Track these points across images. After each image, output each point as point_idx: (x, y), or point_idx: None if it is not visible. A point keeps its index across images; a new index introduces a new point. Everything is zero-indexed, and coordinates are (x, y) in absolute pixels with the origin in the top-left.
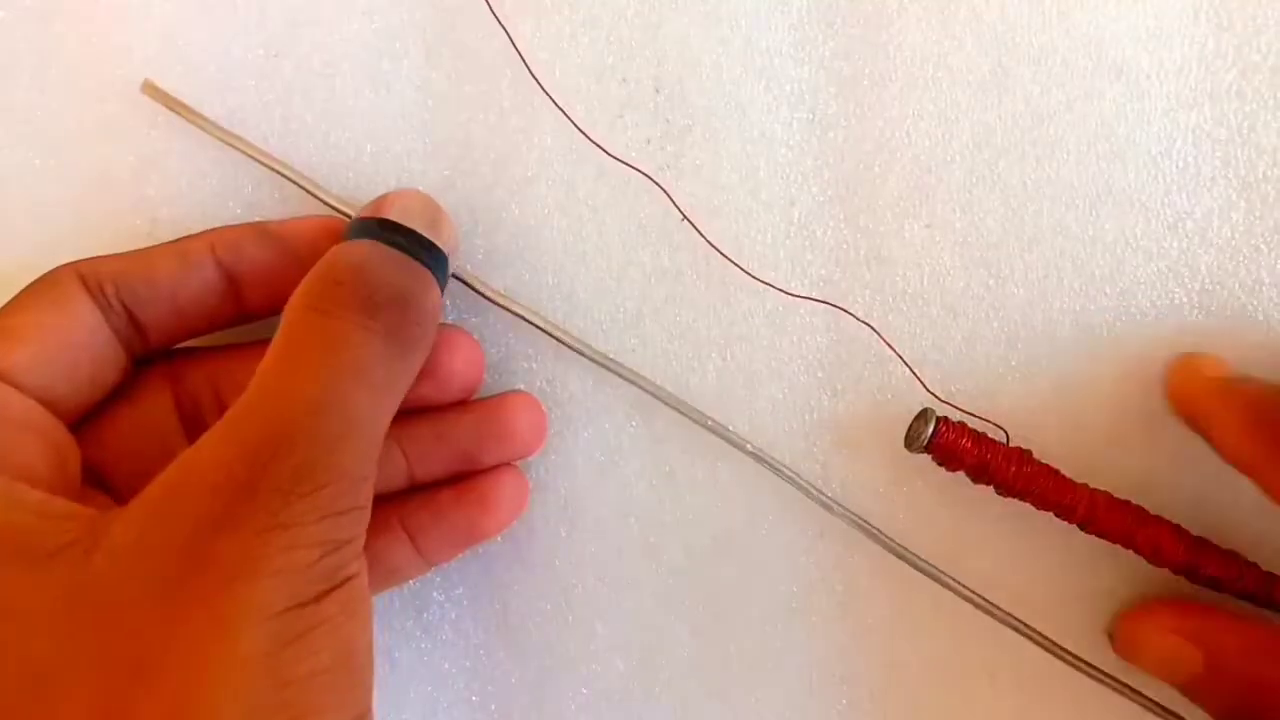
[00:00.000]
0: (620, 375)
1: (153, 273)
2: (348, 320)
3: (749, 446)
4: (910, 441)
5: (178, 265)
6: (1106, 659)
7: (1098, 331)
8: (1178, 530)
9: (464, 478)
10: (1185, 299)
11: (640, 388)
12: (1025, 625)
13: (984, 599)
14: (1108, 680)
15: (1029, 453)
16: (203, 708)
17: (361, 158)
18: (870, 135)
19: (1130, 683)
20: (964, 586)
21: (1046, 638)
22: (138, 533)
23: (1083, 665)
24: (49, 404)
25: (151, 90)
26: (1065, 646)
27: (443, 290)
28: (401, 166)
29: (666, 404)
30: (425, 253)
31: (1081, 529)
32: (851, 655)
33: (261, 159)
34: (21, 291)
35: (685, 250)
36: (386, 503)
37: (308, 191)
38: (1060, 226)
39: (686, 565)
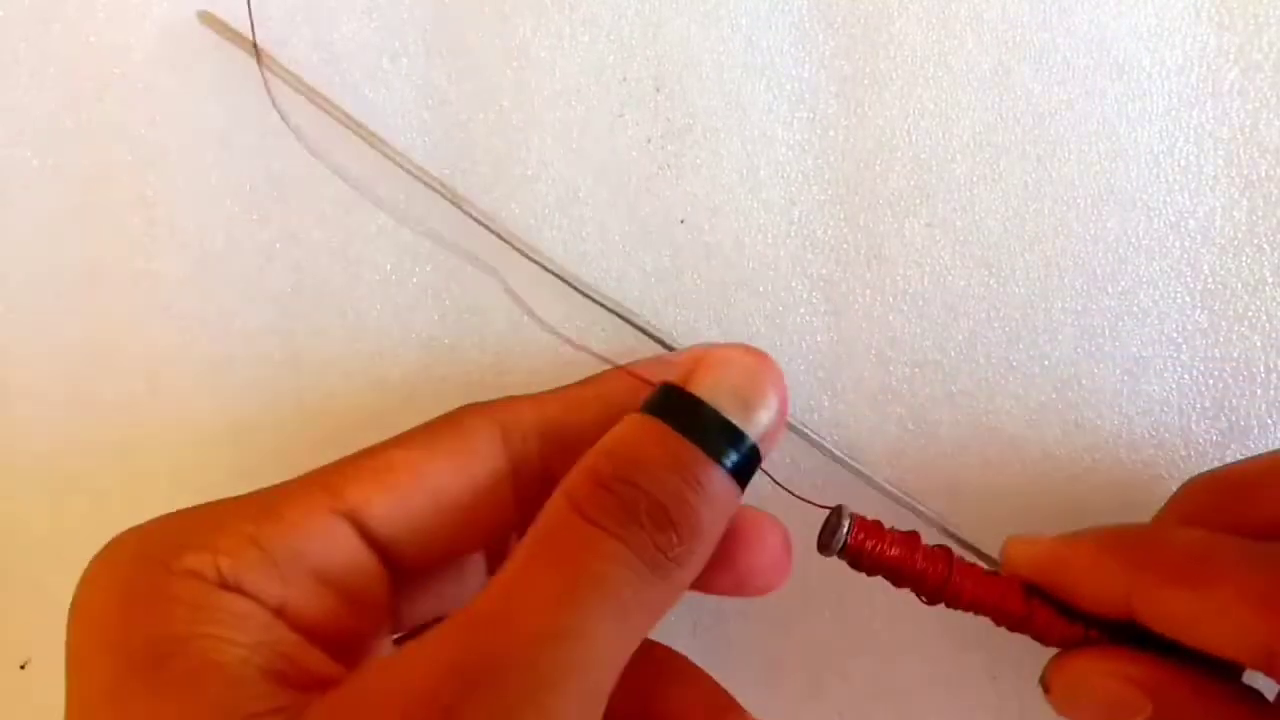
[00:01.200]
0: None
1: (582, 420)
2: (601, 529)
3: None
4: (823, 545)
5: (604, 413)
6: None
7: (1099, 331)
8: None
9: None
10: (1188, 298)
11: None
12: None
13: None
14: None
15: (952, 555)
16: None
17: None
18: (870, 134)
19: None
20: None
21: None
22: (324, 714)
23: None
24: (386, 552)
25: (208, 19)
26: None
27: (744, 486)
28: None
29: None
30: (725, 445)
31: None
32: (851, 655)
33: (342, 119)
34: (428, 422)
35: (685, 250)
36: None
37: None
38: (1061, 225)
39: None
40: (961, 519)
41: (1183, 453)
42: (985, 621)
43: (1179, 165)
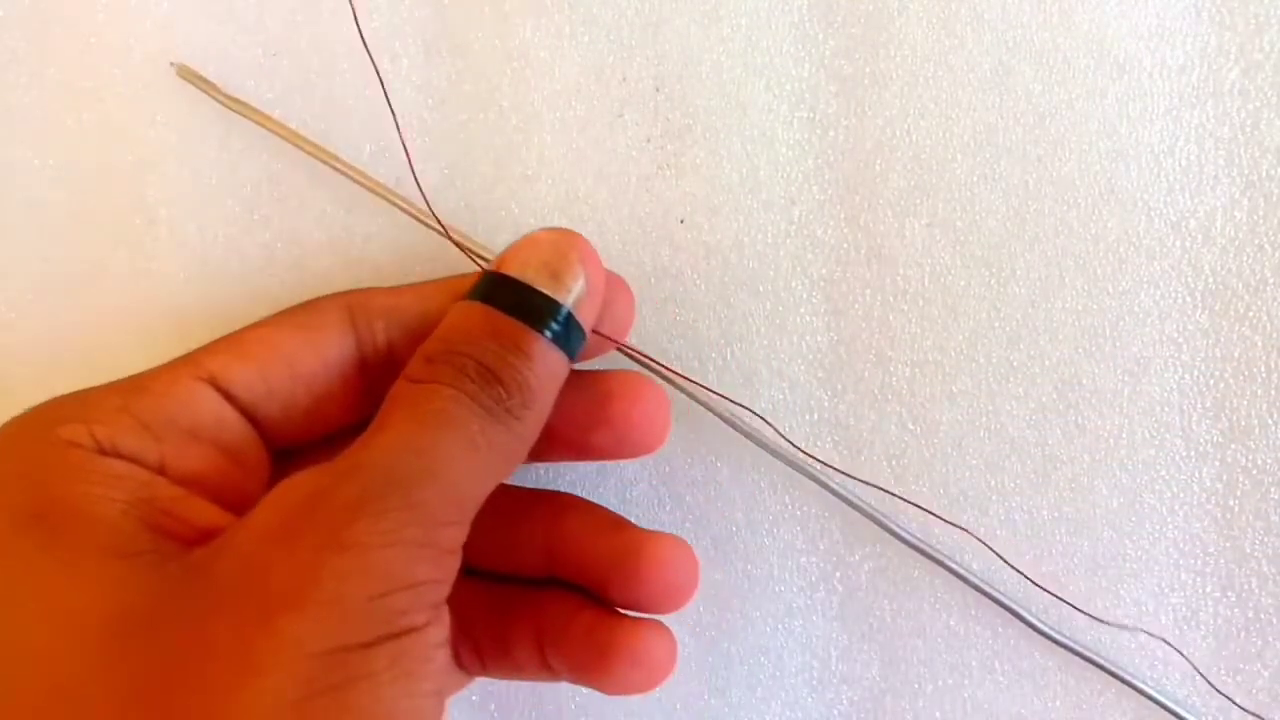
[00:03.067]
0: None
1: (429, 311)
2: (440, 386)
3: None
4: None
5: (420, 301)
6: (1108, 656)
7: (1100, 331)
8: None
9: (608, 611)
10: (1188, 299)
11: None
12: (1029, 614)
13: (988, 587)
14: (1109, 671)
15: None
16: None
17: (361, 158)
18: (871, 134)
19: (1131, 677)
20: (969, 575)
21: (1049, 626)
22: (207, 551)
23: (1085, 655)
24: (254, 418)
25: (185, 73)
26: (1065, 637)
27: (573, 346)
28: (401, 166)
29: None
30: (543, 315)
31: None
32: (851, 655)
33: (297, 142)
34: (284, 310)
35: (685, 250)
36: (527, 588)
37: (353, 179)
38: (1062, 225)
39: None
40: (961, 519)
41: (1183, 453)
42: (986, 619)
43: (1180, 165)
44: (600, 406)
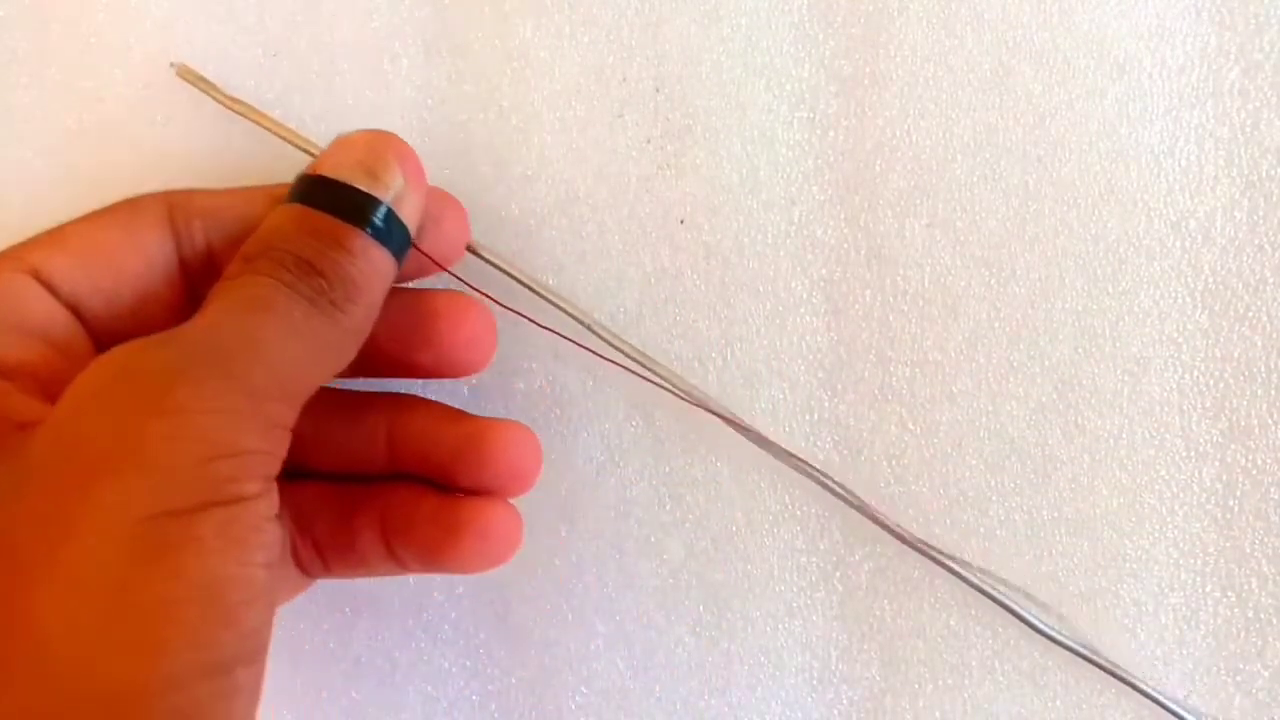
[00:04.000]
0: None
1: (251, 212)
2: (258, 276)
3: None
4: None
5: (244, 203)
6: (1107, 657)
7: (1100, 331)
8: None
9: (452, 495)
10: (1188, 299)
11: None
12: (1029, 614)
13: (990, 586)
14: (1109, 671)
15: None
16: (30, 627)
17: None
18: (871, 134)
19: (1131, 677)
20: (972, 573)
21: (1049, 626)
22: (24, 436)
23: (1086, 656)
24: (79, 314)
25: (185, 73)
26: (1065, 637)
27: (400, 244)
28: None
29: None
30: (363, 212)
31: None
32: (851, 655)
33: (298, 142)
34: (104, 207)
35: (685, 250)
36: (370, 484)
37: None
38: (1062, 225)
39: (686, 565)
40: (961, 519)
41: (1183, 453)
42: (986, 620)
43: (1180, 165)
44: (425, 324)
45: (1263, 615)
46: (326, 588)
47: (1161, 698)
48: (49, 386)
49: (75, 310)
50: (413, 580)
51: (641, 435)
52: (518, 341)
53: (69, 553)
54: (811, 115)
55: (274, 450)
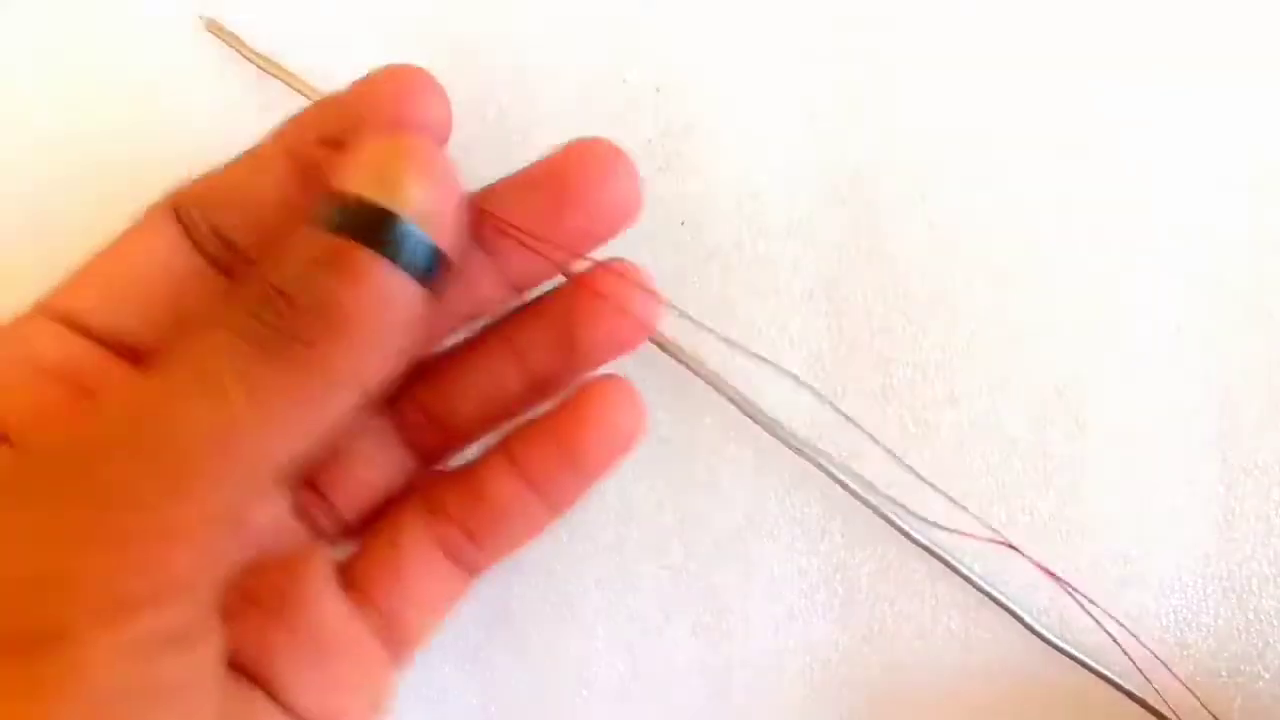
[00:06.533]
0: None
1: (230, 189)
2: (206, 329)
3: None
4: None
5: (249, 173)
6: (1107, 663)
7: (1100, 331)
8: None
9: (571, 396)
10: (1189, 299)
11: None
12: (1030, 617)
13: (990, 589)
14: (1110, 679)
15: None
16: None
17: None
18: (871, 134)
19: (1131, 685)
20: (971, 574)
21: (1050, 630)
22: None
23: (1084, 662)
24: (119, 343)
25: (214, 27)
26: (1067, 643)
27: (427, 270)
28: None
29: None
30: (367, 229)
31: None
32: (852, 656)
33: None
34: (122, 230)
35: (685, 250)
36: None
37: None
38: (1063, 225)
39: (686, 565)
40: (962, 520)
41: (1183, 453)
42: (986, 620)
43: (1180, 164)
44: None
45: (1263, 616)
46: None
47: (1161, 708)
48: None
49: (109, 339)
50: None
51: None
52: None
53: None
54: (812, 115)
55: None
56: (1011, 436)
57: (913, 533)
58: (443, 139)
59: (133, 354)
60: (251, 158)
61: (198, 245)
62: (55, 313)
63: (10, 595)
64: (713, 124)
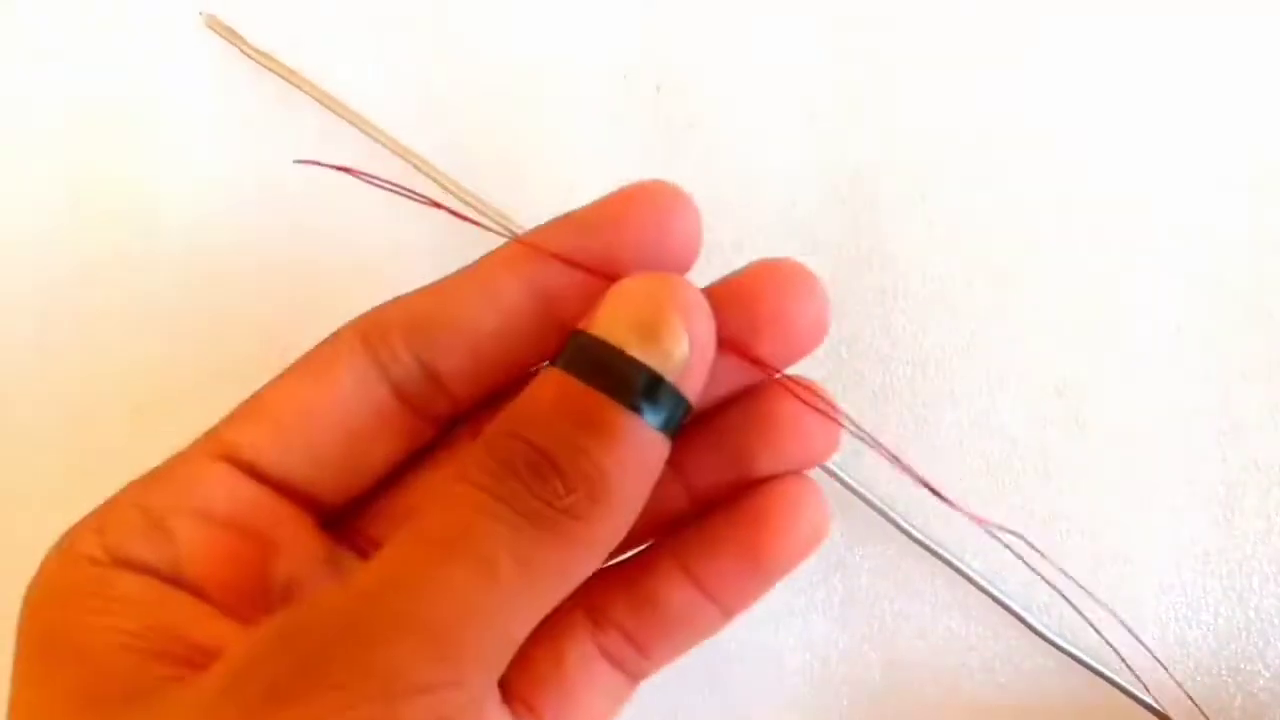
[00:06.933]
0: None
1: (449, 311)
2: (474, 488)
3: None
4: None
5: (474, 299)
6: (1107, 662)
7: (1100, 331)
8: None
9: (743, 495)
10: (1189, 299)
11: None
12: (1030, 616)
13: (990, 588)
14: (1110, 678)
15: None
16: None
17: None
18: (871, 133)
19: (1130, 685)
20: (972, 573)
21: (1050, 629)
22: (200, 695)
23: (1085, 662)
24: (289, 486)
25: (214, 24)
26: (1067, 642)
27: (672, 423)
28: (401, 167)
29: None
30: (633, 386)
31: None
32: (852, 655)
33: (318, 96)
34: (302, 355)
35: None
36: (663, 535)
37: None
38: (1062, 224)
39: None
40: (961, 519)
41: (1183, 453)
42: (986, 620)
43: (1180, 164)
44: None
45: (1263, 615)
46: None
47: (1160, 707)
48: (245, 582)
49: (282, 484)
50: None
51: None
52: None
53: None
54: (812, 114)
55: None
56: (1011, 435)
57: (913, 531)
58: (690, 263)
59: (301, 497)
60: (476, 281)
61: (391, 380)
62: (224, 450)
63: None
64: (713, 123)
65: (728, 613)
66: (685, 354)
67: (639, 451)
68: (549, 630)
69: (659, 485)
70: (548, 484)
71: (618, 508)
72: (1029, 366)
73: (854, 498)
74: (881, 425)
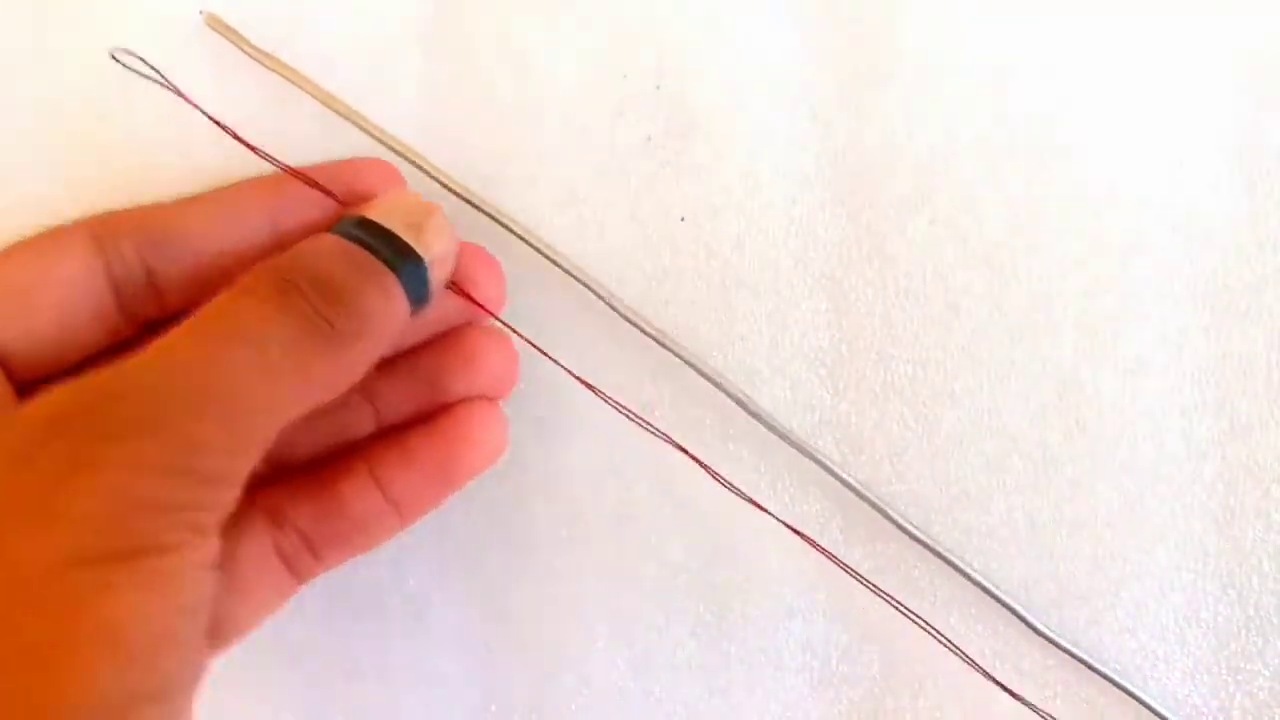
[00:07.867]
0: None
1: (187, 225)
2: (256, 297)
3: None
4: None
5: (222, 214)
6: (1107, 660)
7: (1101, 331)
8: None
9: (435, 415)
10: (1189, 298)
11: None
12: (1029, 615)
13: (990, 586)
14: (1107, 676)
15: None
16: None
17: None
18: (872, 133)
19: (1128, 683)
20: (971, 571)
21: (1049, 628)
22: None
23: (1082, 660)
24: (11, 365)
25: (214, 22)
26: (1066, 640)
27: (418, 302)
28: (401, 166)
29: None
30: (395, 255)
31: None
32: (852, 656)
33: (320, 96)
34: (27, 238)
35: (685, 250)
36: (352, 449)
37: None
38: (1064, 225)
39: (686, 565)
40: (962, 518)
41: (1183, 453)
42: (986, 620)
43: (1181, 164)
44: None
45: (1263, 614)
46: (326, 589)
47: (1159, 707)
48: None
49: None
50: (412, 580)
51: (642, 435)
52: (518, 344)
53: None
54: (812, 114)
55: (207, 504)
56: (1012, 435)
57: (913, 531)
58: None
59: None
60: (222, 202)
61: (113, 277)
62: None
63: (115, 518)
64: (713, 123)
65: (405, 519)
66: (437, 253)
67: (398, 307)
68: (227, 528)
69: (351, 409)
70: (331, 306)
71: (373, 348)
72: (1029, 366)
73: (854, 497)
74: (882, 424)
